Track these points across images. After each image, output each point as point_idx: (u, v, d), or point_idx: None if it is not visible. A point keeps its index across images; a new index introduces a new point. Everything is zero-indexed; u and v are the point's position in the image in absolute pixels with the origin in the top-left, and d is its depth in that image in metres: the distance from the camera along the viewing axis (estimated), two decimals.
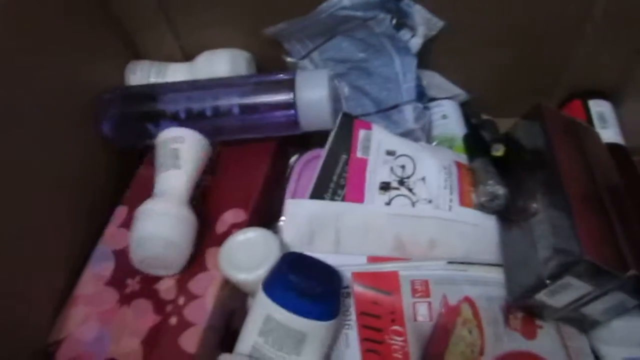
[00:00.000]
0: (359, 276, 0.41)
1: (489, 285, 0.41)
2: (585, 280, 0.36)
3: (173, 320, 0.40)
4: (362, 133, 0.46)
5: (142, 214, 0.41)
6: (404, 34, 0.49)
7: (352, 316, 0.39)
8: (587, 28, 0.49)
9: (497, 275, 0.41)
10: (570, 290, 0.37)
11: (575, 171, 0.41)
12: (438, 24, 0.49)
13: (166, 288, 0.41)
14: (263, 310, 0.36)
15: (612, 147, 0.51)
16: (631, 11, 0.46)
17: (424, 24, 0.48)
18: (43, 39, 0.43)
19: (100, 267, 0.43)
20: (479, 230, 0.44)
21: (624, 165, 0.46)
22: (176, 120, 0.47)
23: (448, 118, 0.54)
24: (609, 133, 0.52)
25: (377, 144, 0.46)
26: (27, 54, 0.41)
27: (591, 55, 0.51)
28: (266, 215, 0.47)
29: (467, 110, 0.58)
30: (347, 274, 0.40)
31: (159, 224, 0.40)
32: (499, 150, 0.46)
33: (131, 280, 0.42)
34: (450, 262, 0.41)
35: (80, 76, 0.48)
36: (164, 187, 0.43)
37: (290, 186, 0.48)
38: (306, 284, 0.36)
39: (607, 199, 0.40)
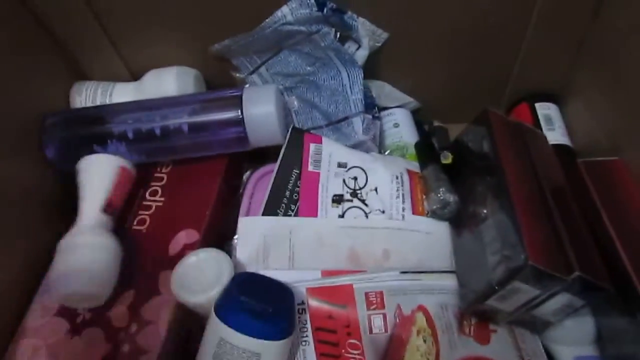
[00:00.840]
0: (314, 291, 0.41)
1: (442, 293, 0.41)
2: (532, 284, 0.36)
3: (125, 348, 0.39)
4: (312, 147, 0.46)
5: (58, 249, 0.41)
6: (350, 47, 0.49)
7: (309, 332, 0.39)
8: (528, 33, 0.50)
9: (450, 282, 0.42)
10: (519, 295, 0.37)
11: (521, 176, 0.42)
12: (383, 35, 0.49)
13: (118, 315, 0.41)
14: (216, 333, 0.35)
15: (559, 148, 0.52)
16: (567, 15, 0.48)
17: (368, 36, 0.48)
18: None
19: (48, 297, 0.42)
20: (432, 238, 0.44)
21: (570, 166, 0.47)
22: (124, 140, 0.47)
23: (400, 126, 0.55)
24: (556, 134, 0.53)
25: (328, 157, 0.46)
26: None
27: (534, 59, 0.53)
28: (220, 233, 0.47)
29: (420, 117, 0.58)
30: (302, 289, 0.40)
31: (72, 258, 0.40)
32: (447, 158, 0.47)
33: (82, 309, 0.41)
34: (403, 272, 0.42)
35: (22, 99, 0.47)
36: (79, 219, 0.43)
37: (244, 203, 0.47)
38: (257, 305, 0.35)
39: (552, 202, 0.41)
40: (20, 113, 0.46)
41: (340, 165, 0.46)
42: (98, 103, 0.52)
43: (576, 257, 0.37)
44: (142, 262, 0.43)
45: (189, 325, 0.43)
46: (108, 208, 0.43)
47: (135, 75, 0.54)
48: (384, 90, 0.55)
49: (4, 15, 0.45)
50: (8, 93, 0.45)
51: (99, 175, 0.44)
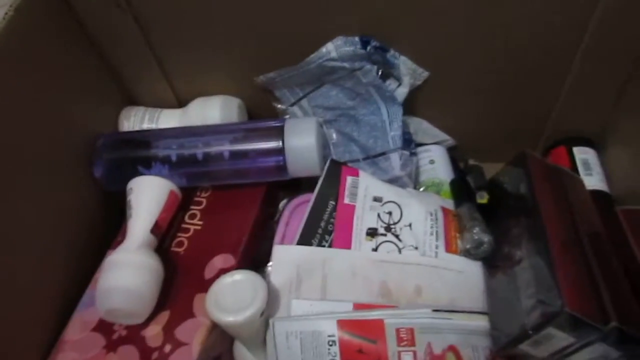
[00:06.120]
0: (345, 324, 0.41)
1: (473, 334, 0.41)
2: (567, 331, 0.36)
3: None
4: (349, 180, 0.47)
5: (105, 265, 0.43)
6: (391, 84, 0.50)
7: None
8: (569, 76, 0.50)
9: (481, 323, 0.41)
10: (553, 341, 0.37)
11: (558, 219, 0.42)
12: (423, 74, 0.50)
13: (153, 335, 0.41)
14: None
15: (596, 194, 0.52)
16: (610, 61, 0.48)
17: (409, 75, 0.50)
18: (41, 84, 0.44)
19: (87, 312, 0.44)
20: (465, 277, 0.44)
21: (607, 212, 0.47)
22: (167, 163, 0.48)
23: (435, 163, 0.55)
24: (594, 180, 0.53)
25: (364, 191, 0.47)
26: (24, 99, 0.43)
27: (573, 104, 0.53)
28: (255, 259, 0.47)
29: (455, 155, 0.59)
30: (332, 321, 0.41)
31: (118, 275, 0.41)
32: (483, 198, 0.47)
33: (118, 326, 0.42)
34: (435, 310, 0.41)
35: (75, 121, 0.49)
36: (127, 237, 0.44)
37: (279, 230, 0.48)
38: None
39: (589, 248, 0.40)
40: (71, 134, 0.49)
41: (375, 199, 0.47)
42: (145, 128, 0.54)
43: (613, 307, 0.36)
44: (178, 284, 0.44)
45: (219, 351, 0.43)
46: (156, 229, 0.45)
47: (181, 102, 0.56)
48: (421, 127, 0.56)
49: (61, 38, 0.48)
50: (63, 114, 0.48)
51: (151, 197, 0.46)
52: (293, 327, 0.40)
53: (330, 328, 0.40)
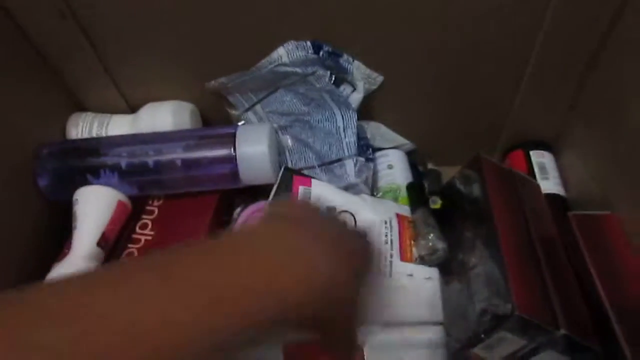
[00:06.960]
0: (292, 347, 0.39)
1: (425, 347, 0.40)
2: (519, 334, 0.36)
3: None
4: (301, 189, 0.46)
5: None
6: (345, 89, 0.50)
7: None
8: (525, 79, 0.50)
9: (434, 336, 0.41)
10: (505, 344, 0.37)
11: (511, 224, 0.42)
12: (378, 79, 0.50)
13: None
14: None
15: (552, 198, 0.52)
16: (564, 66, 0.48)
17: (363, 80, 0.49)
18: None
19: None
20: (420, 285, 0.44)
21: (562, 216, 0.47)
22: (117, 171, 0.47)
23: (394, 168, 0.55)
24: (550, 184, 0.53)
25: (317, 200, 0.46)
26: None
27: (529, 107, 0.53)
28: None
29: (415, 159, 0.58)
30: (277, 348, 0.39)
31: None
32: (435, 203, 0.46)
33: None
34: (386, 326, 0.41)
35: (19, 129, 0.47)
36: (71, 251, 0.43)
37: None
38: None
39: (541, 252, 0.40)
40: (16, 143, 0.47)
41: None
42: (94, 135, 0.52)
43: (563, 313, 0.36)
44: None
45: None
46: (102, 241, 0.43)
47: (132, 108, 0.54)
48: (379, 131, 0.55)
49: (5, 48, 0.46)
50: (6, 123, 0.46)
51: (97, 207, 0.45)
52: None
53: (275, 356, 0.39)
